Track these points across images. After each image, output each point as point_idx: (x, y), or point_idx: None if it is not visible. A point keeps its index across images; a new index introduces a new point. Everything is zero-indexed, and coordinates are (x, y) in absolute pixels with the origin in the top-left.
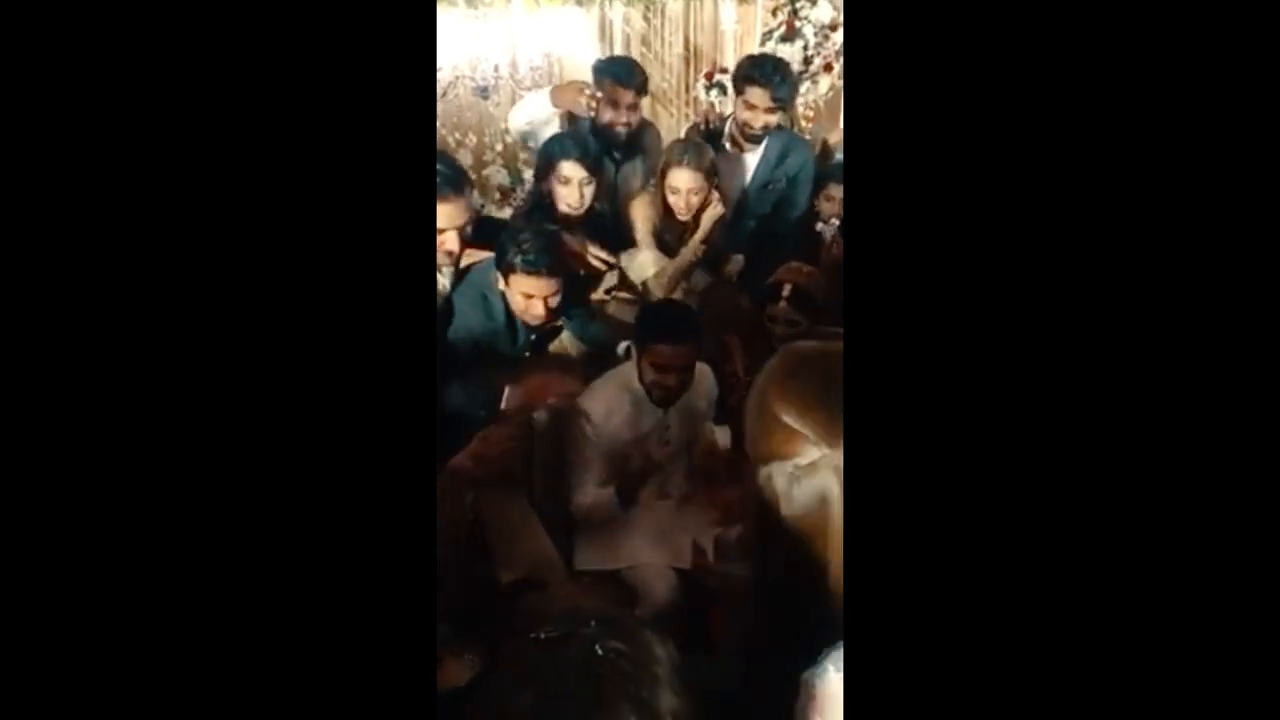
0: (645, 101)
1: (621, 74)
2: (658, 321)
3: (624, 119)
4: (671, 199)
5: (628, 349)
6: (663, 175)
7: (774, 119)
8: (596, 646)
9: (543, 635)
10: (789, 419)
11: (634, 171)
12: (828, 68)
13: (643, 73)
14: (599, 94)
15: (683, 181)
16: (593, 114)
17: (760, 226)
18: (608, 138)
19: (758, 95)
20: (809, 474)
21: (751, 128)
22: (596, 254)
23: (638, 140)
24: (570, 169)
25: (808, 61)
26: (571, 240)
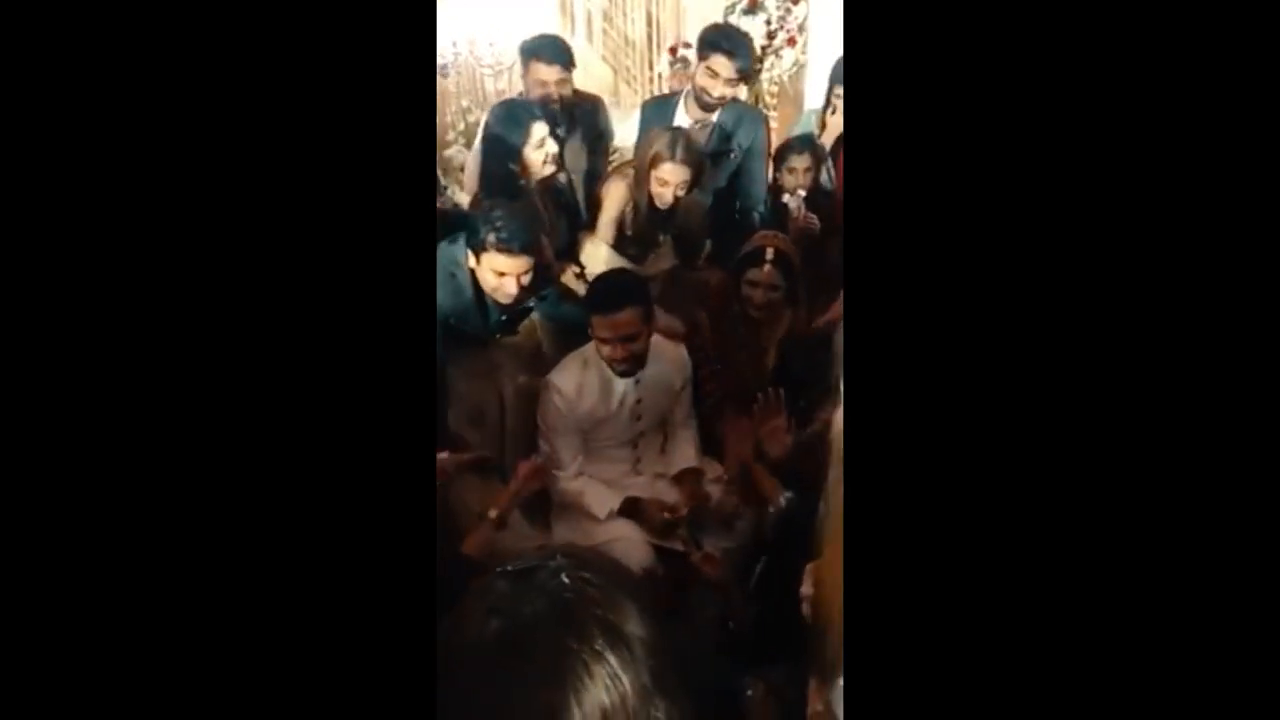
0: (608, 75)
1: (544, 51)
2: (595, 295)
3: (554, 94)
4: (658, 190)
5: None
6: (651, 165)
7: (731, 91)
8: (563, 575)
9: (510, 568)
10: None
11: (579, 146)
12: (791, 42)
13: (568, 49)
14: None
15: (673, 175)
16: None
17: (719, 200)
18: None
19: (722, 64)
20: None
21: (709, 95)
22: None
23: (576, 114)
24: (540, 130)
25: (771, 36)
26: (542, 218)
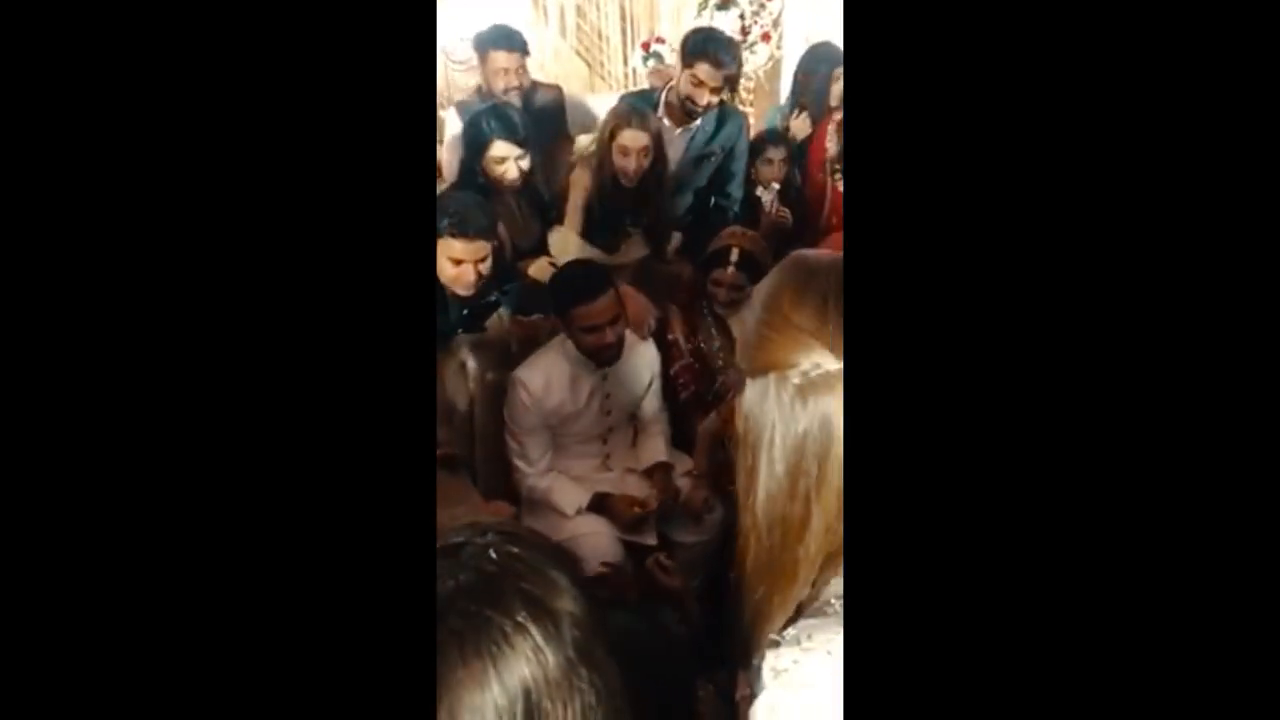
0: (581, 70)
1: (501, 40)
2: (569, 285)
3: (515, 83)
4: (620, 161)
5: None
6: (611, 137)
7: (717, 99)
8: (490, 551)
9: (439, 544)
10: (803, 322)
11: (544, 133)
12: (765, 37)
13: (521, 36)
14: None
15: (633, 140)
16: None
17: (698, 199)
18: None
19: (707, 72)
20: (817, 390)
21: (694, 103)
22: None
23: (535, 101)
24: (503, 148)
25: (745, 31)
26: (507, 205)
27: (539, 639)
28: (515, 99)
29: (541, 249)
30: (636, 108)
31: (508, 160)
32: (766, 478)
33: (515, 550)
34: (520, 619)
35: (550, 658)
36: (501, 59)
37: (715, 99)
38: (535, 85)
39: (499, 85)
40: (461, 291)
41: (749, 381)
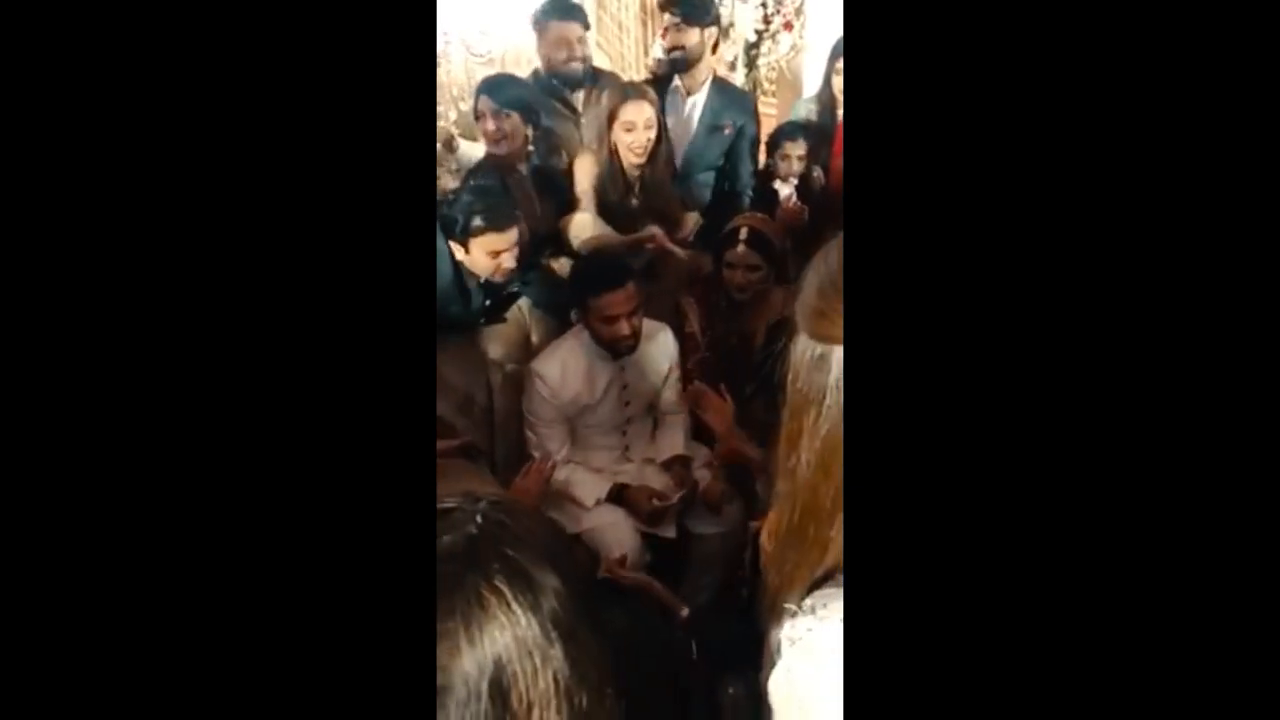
0: (602, 62)
1: (561, 10)
2: (590, 275)
3: (577, 54)
4: (627, 137)
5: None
6: (612, 118)
7: (690, 37)
8: (478, 516)
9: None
10: None
11: (597, 119)
12: (788, 26)
13: (582, 10)
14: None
15: (636, 114)
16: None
17: (715, 184)
18: (564, 79)
19: (667, 17)
20: None
21: (678, 48)
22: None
23: (595, 86)
24: (483, 103)
25: (767, 21)
26: (517, 190)
27: (514, 604)
28: (577, 70)
29: (557, 236)
30: (633, 85)
31: (485, 114)
32: (808, 449)
33: (505, 519)
34: (497, 582)
35: (524, 624)
36: (560, 29)
37: (680, 39)
38: (596, 72)
39: (559, 57)
40: (500, 279)
41: (814, 345)
